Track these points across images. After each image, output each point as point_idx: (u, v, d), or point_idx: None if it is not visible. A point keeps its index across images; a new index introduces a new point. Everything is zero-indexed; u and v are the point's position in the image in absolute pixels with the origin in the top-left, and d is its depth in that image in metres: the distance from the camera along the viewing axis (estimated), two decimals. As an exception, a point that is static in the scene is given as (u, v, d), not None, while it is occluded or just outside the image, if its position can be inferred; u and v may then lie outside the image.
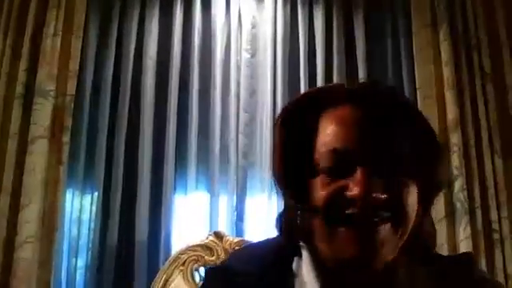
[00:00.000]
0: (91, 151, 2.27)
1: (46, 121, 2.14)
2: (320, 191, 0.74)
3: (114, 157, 2.27)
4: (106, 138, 2.27)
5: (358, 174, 0.71)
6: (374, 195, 0.70)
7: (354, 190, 0.70)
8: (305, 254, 0.82)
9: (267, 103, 2.38)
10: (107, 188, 2.24)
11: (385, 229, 0.71)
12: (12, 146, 2.10)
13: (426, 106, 2.32)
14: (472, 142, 2.29)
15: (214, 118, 2.35)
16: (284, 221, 0.83)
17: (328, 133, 0.76)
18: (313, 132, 0.78)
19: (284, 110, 0.82)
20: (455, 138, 2.26)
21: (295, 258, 0.82)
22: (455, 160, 2.25)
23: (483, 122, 2.31)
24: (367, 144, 0.73)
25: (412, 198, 0.74)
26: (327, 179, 0.74)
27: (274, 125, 0.82)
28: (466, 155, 2.27)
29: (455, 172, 2.24)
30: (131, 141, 2.30)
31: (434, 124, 2.30)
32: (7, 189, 2.06)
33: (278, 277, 0.80)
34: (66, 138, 2.17)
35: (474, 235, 2.20)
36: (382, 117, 0.75)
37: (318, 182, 0.74)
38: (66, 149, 2.16)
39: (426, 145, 0.78)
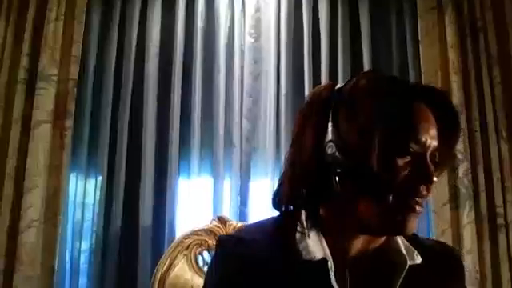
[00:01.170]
0: (94, 136, 2.27)
1: (48, 105, 2.13)
2: (401, 171, 0.85)
3: (117, 141, 2.26)
4: (110, 122, 2.27)
5: (426, 161, 0.85)
6: (435, 179, 0.85)
7: (424, 173, 0.85)
8: (312, 231, 0.90)
9: (271, 87, 2.37)
10: (111, 172, 2.24)
11: (422, 208, 0.86)
12: (15, 130, 2.10)
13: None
14: (477, 126, 2.27)
15: (218, 102, 2.34)
16: (290, 192, 0.92)
17: (417, 123, 0.86)
18: (407, 117, 0.86)
19: (381, 90, 0.89)
20: (461, 123, 2.24)
21: (298, 228, 0.91)
22: (460, 144, 2.23)
23: (489, 106, 2.29)
24: (434, 139, 0.87)
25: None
26: (404, 161, 0.85)
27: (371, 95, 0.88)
28: (471, 139, 2.26)
29: (460, 156, 2.23)
30: (134, 125, 2.30)
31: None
32: (11, 173, 2.06)
33: (283, 243, 0.89)
34: (69, 123, 2.16)
35: (478, 220, 2.20)
36: (448, 120, 0.89)
37: (401, 163, 0.85)
38: (69, 133, 2.16)
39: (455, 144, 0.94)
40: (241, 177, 2.30)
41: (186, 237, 1.82)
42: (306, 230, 0.90)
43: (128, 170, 2.25)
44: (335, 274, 0.86)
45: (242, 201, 2.27)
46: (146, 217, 2.21)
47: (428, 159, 0.86)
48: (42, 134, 2.10)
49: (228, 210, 2.24)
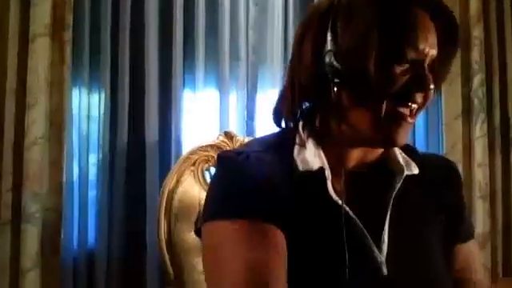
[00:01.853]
0: (95, 49, 2.18)
1: (45, 18, 2.04)
2: (399, 77, 0.85)
3: (119, 54, 2.19)
4: (110, 34, 2.18)
5: (423, 67, 0.86)
6: (431, 86, 0.86)
7: (421, 79, 0.85)
8: (310, 141, 0.93)
9: None
10: (114, 86, 2.18)
11: (417, 115, 0.89)
12: (12, 45, 2.02)
13: (447, -4, 2.19)
14: (494, 35, 2.18)
15: (223, 12, 2.24)
16: (290, 106, 0.95)
17: (418, 30, 0.86)
18: (404, 23, 0.86)
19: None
20: (477, 32, 2.15)
21: (296, 141, 0.94)
22: (475, 54, 2.16)
23: (507, 15, 2.19)
24: (433, 46, 0.87)
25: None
26: (401, 69, 0.86)
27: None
28: (487, 49, 2.17)
29: (475, 67, 2.16)
30: (136, 37, 2.21)
31: (456, 16, 2.18)
32: (11, 90, 2.02)
33: (282, 156, 0.91)
34: (68, 36, 2.08)
35: (491, 133, 2.16)
36: (448, 31, 0.90)
37: (397, 70, 0.85)
38: (68, 47, 2.08)
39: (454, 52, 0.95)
40: (247, 90, 2.25)
41: (192, 152, 1.80)
42: (305, 142, 0.93)
43: (132, 83, 2.20)
44: (333, 184, 0.89)
45: (249, 115, 2.24)
46: (151, 131, 2.18)
47: (426, 67, 0.87)
48: (40, 49, 2.03)
49: (234, 125, 2.21)
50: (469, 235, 1.02)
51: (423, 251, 0.92)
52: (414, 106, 0.86)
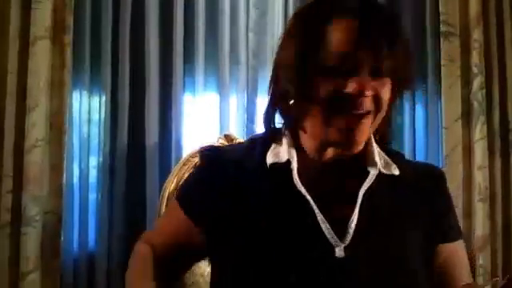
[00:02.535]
0: (96, 52, 2.19)
1: (46, 21, 2.05)
2: (323, 87, 0.91)
3: (119, 57, 2.19)
4: (111, 37, 2.18)
5: (355, 73, 0.90)
6: (367, 92, 0.90)
7: (352, 86, 0.90)
8: (284, 139, 1.02)
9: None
10: (115, 89, 2.19)
11: (368, 120, 0.93)
12: (13, 48, 2.03)
13: (447, -1, 2.20)
14: (494, 38, 2.18)
15: (223, 15, 2.24)
16: (271, 111, 1.05)
17: (335, 39, 0.91)
18: (321, 36, 0.92)
19: (296, 15, 1.01)
20: (476, 34, 2.16)
21: (273, 144, 1.03)
22: (475, 57, 2.16)
23: (507, 18, 2.19)
24: (364, 50, 0.90)
25: (387, 94, 0.94)
26: (328, 78, 0.91)
27: (292, 20, 1.00)
28: (487, 52, 2.18)
29: (475, 70, 2.16)
30: (137, 40, 2.21)
31: (455, 19, 2.19)
32: (12, 92, 2.02)
33: (258, 152, 1.01)
34: (69, 39, 2.09)
35: (490, 135, 2.16)
36: (375, 28, 0.91)
37: (321, 79, 0.92)
38: (68, 50, 2.09)
39: (406, 48, 0.97)
40: (247, 93, 2.25)
41: (193, 155, 1.80)
42: (282, 140, 1.02)
43: (132, 87, 2.20)
44: (303, 177, 0.97)
45: (249, 118, 2.24)
46: (151, 134, 2.18)
47: (359, 71, 0.91)
48: (40, 51, 2.03)
49: (234, 128, 2.22)
50: (451, 237, 1.04)
51: (394, 246, 0.95)
52: (358, 111, 0.92)
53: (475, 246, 2.14)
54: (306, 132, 1.00)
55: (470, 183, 2.17)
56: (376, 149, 1.02)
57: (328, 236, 0.92)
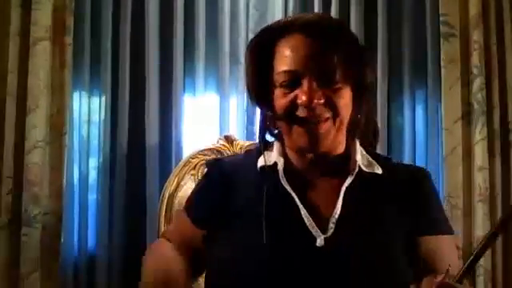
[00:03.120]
0: (96, 53, 2.19)
1: (46, 21, 2.05)
2: (280, 101, 1.03)
3: (119, 58, 2.19)
4: (111, 38, 2.18)
5: (304, 86, 1.00)
6: (316, 101, 0.98)
7: (301, 99, 0.99)
8: (275, 145, 1.13)
9: (278, 1, 2.26)
10: (115, 90, 2.19)
11: (326, 125, 1.01)
12: (13, 49, 2.03)
13: (447, 0, 2.20)
14: (494, 39, 2.18)
15: (223, 16, 2.23)
16: (262, 126, 1.16)
17: (283, 56, 1.03)
18: (273, 55, 1.05)
19: (252, 40, 1.11)
20: (476, 35, 2.16)
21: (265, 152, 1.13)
22: (475, 58, 2.16)
23: (507, 19, 2.19)
24: (310, 64, 1.00)
25: (345, 99, 1.03)
26: (284, 92, 1.03)
27: (246, 50, 1.11)
28: (487, 53, 2.17)
29: (475, 71, 2.16)
30: (137, 41, 2.21)
31: (456, 20, 2.19)
32: (12, 93, 2.02)
33: (254, 160, 1.12)
34: (69, 39, 2.09)
35: (491, 136, 2.16)
36: (323, 41, 1.01)
37: (278, 94, 1.04)
38: (69, 50, 2.09)
39: (356, 56, 1.05)
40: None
41: (193, 156, 1.81)
42: (274, 147, 1.13)
43: (132, 88, 2.20)
44: (290, 177, 1.07)
45: (249, 119, 2.23)
46: (152, 135, 2.18)
47: (306, 83, 0.99)
48: (41, 52, 2.03)
49: (235, 129, 2.21)
50: (433, 230, 1.08)
51: (373, 236, 1.02)
52: (312, 120, 1.00)
53: (475, 246, 2.13)
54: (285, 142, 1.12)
55: (470, 184, 2.17)
56: (359, 149, 1.10)
57: (310, 228, 1.01)
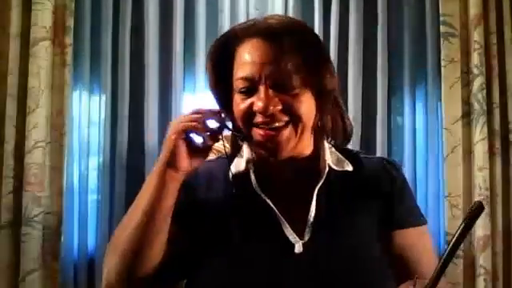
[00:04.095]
0: (96, 53, 2.19)
1: (46, 22, 2.05)
2: (238, 107, 0.99)
3: (119, 58, 2.19)
4: (111, 38, 2.19)
5: (260, 93, 0.96)
6: (272, 108, 0.95)
7: (257, 106, 0.96)
8: (245, 149, 1.09)
9: (278, 0, 2.27)
10: (115, 89, 2.19)
11: (286, 131, 0.98)
12: (13, 49, 2.03)
13: (447, 0, 2.20)
14: (494, 39, 2.18)
15: (223, 16, 2.24)
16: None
17: (240, 62, 0.99)
18: (233, 60, 1.01)
19: (212, 45, 1.05)
20: (477, 35, 2.16)
21: (236, 158, 1.10)
22: (475, 58, 2.16)
23: (507, 19, 2.19)
24: (266, 70, 0.96)
25: (306, 103, 0.99)
26: (242, 98, 0.98)
27: (207, 56, 1.06)
28: (487, 54, 2.17)
29: (475, 71, 2.16)
30: (137, 40, 2.22)
31: (456, 21, 2.19)
32: (13, 94, 2.02)
33: (226, 167, 1.07)
34: (69, 40, 2.09)
35: (491, 136, 2.16)
36: (281, 45, 0.97)
37: (237, 100, 0.99)
38: (69, 50, 2.09)
39: (318, 59, 1.01)
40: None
41: (193, 156, 1.79)
42: (244, 151, 1.08)
43: (132, 88, 2.21)
44: (262, 180, 1.04)
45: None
46: (151, 135, 2.18)
47: (263, 90, 0.95)
48: (41, 52, 2.03)
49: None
50: (406, 223, 1.07)
51: (350, 236, 1.01)
52: (276, 124, 0.97)
53: (475, 246, 2.14)
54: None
55: (470, 184, 2.17)
56: (327, 149, 1.08)
57: (287, 234, 0.99)
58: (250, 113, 0.97)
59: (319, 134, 1.07)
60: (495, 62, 2.18)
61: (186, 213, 1.04)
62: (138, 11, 2.22)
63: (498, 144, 2.17)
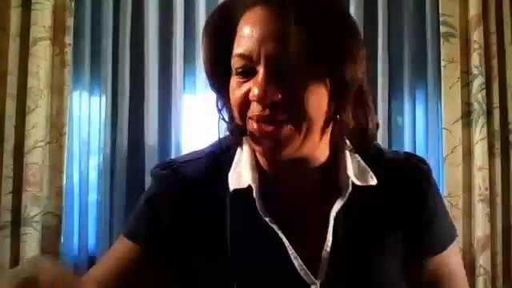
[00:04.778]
0: (96, 53, 2.19)
1: (46, 21, 2.05)
2: (234, 93, 0.79)
3: (119, 57, 2.19)
4: (111, 38, 2.18)
5: (258, 76, 0.75)
6: (270, 96, 0.74)
7: (252, 92, 0.75)
8: (245, 152, 0.87)
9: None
10: (115, 89, 2.19)
11: (286, 130, 0.76)
12: (13, 49, 2.03)
13: (447, 1, 2.20)
14: (494, 39, 2.18)
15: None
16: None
17: (239, 37, 0.79)
18: (234, 34, 0.80)
19: (210, 15, 0.85)
20: (476, 35, 2.16)
21: (238, 151, 0.88)
22: (475, 58, 2.16)
23: (507, 19, 2.19)
24: (268, 46, 0.75)
25: (315, 96, 0.76)
26: (238, 80, 0.78)
27: (204, 28, 0.85)
28: (486, 53, 2.17)
29: (475, 71, 2.16)
30: (137, 40, 2.21)
31: (456, 21, 2.19)
32: (12, 93, 2.02)
33: (218, 174, 0.86)
34: (69, 39, 2.09)
35: (490, 136, 2.16)
36: (290, 15, 0.74)
37: (233, 84, 0.79)
38: (69, 50, 2.09)
39: (335, 41, 0.76)
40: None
41: (192, 156, 1.79)
42: (243, 154, 0.88)
43: (132, 87, 2.20)
44: (269, 198, 0.84)
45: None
46: (151, 135, 2.18)
47: (262, 72, 0.75)
48: (41, 52, 2.03)
49: (234, 128, 2.20)
50: (440, 247, 0.90)
51: (373, 274, 0.84)
52: (274, 118, 0.76)
53: (475, 246, 2.14)
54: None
55: (470, 184, 2.17)
56: (349, 157, 0.86)
57: (301, 274, 0.81)
58: (246, 102, 0.78)
59: (338, 135, 0.85)
60: (495, 63, 2.18)
61: (164, 236, 0.86)
62: (138, 11, 2.22)
63: (497, 144, 2.17)
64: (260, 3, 0.77)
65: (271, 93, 0.74)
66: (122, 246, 0.90)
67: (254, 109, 0.77)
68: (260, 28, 0.75)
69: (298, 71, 0.74)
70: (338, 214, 0.82)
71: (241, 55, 0.77)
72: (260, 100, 0.75)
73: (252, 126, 0.78)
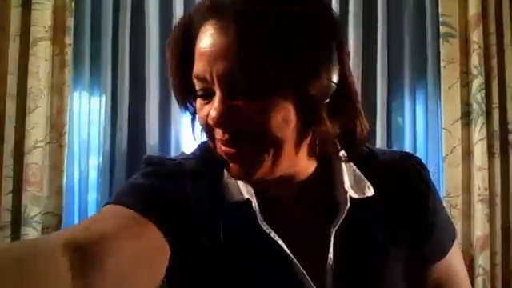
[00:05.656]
0: (96, 53, 2.19)
1: (46, 21, 2.05)
2: (199, 114, 0.74)
3: (119, 58, 2.19)
4: (111, 38, 2.19)
5: (215, 99, 0.69)
6: (226, 119, 0.68)
7: (210, 115, 0.69)
8: None
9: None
10: (115, 89, 2.19)
11: (250, 149, 0.71)
12: (13, 49, 2.03)
13: (447, 1, 2.20)
14: (493, 39, 2.19)
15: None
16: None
17: (196, 56, 0.71)
18: (192, 46, 0.73)
19: (174, 30, 0.77)
20: (476, 36, 2.16)
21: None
22: (474, 59, 2.16)
23: (506, 20, 2.20)
24: (218, 67, 0.68)
25: (279, 113, 0.68)
26: (201, 102, 0.73)
27: (167, 45, 0.77)
28: (486, 54, 2.18)
29: (474, 71, 2.16)
30: (137, 41, 2.22)
31: (455, 21, 2.19)
32: (12, 93, 2.02)
33: (212, 180, 0.80)
34: (69, 39, 2.09)
35: (490, 136, 2.17)
36: (245, 30, 0.66)
37: (198, 105, 0.74)
38: (69, 50, 2.09)
39: (291, 56, 0.67)
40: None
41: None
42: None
43: (132, 88, 2.21)
44: (269, 211, 0.78)
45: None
46: (151, 135, 2.18)
47: (218, 94, 0.68)
48: (41, 52, 2.03)
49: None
50: (443, 252, 0.88)
51: (376, 285, 0.81)
52: (235, 140, 0.71)
53: (474, 246, 2.15)
54: None
55: (469, 184, 2.18)
56: (345, 172, 0.82)
57: None
58: (206, 124, 0.72)
59: (321, 145, 0.79)
60: (494, 63, 2.18)
61: (169, 206, 0.75)
62: (138, 11, 2.22)
63: (497, 144, 2.17)
64: (211, 17, 0.70)
65: (229, 115, 0.68)
66: (109, 210, 0.73)
67: (216, 132, 0.72)
68: (210, 46, 0.68)
69: (256, 89, 0.67)
70: (337, 231, 0.79)
71: (196, 77, 0.71)
72: (217, 125, 0.69)
73: (220, 147, 0.72)
